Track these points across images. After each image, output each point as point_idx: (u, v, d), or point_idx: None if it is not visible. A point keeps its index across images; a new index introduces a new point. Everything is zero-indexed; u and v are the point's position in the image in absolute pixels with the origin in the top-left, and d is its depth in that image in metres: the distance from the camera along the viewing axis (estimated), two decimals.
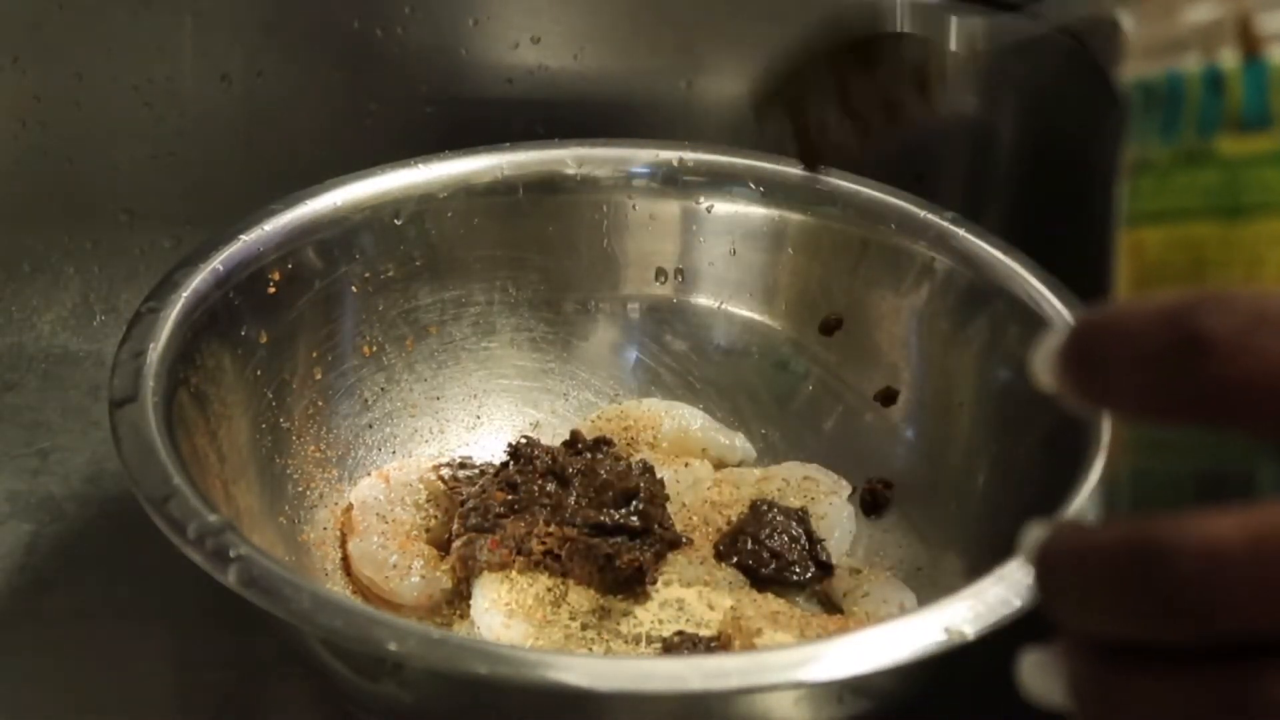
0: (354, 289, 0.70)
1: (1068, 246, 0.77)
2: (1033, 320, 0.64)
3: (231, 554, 0.50)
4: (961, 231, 0.69)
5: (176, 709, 0.63)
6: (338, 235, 0.69)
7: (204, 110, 0.82)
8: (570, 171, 0.73)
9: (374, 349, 0.71)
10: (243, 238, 0.66)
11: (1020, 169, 0.82)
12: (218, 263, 0.64)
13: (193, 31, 0.81)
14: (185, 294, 0.62)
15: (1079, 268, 0.75)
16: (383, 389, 0.71)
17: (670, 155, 0.74)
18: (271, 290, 0.66)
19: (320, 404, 0.68)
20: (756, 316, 0.74)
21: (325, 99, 0.83)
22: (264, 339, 0.66)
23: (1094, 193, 0.76)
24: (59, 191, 0.83)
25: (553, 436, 0.71)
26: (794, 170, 0.73)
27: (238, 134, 0.83)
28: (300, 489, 0.66)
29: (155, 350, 0.59)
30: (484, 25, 0.82)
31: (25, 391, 0.79)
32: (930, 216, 0.69)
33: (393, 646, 0.47)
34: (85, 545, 0.69)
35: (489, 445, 0.71)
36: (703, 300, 0.75)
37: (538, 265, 0.74)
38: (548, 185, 0.73)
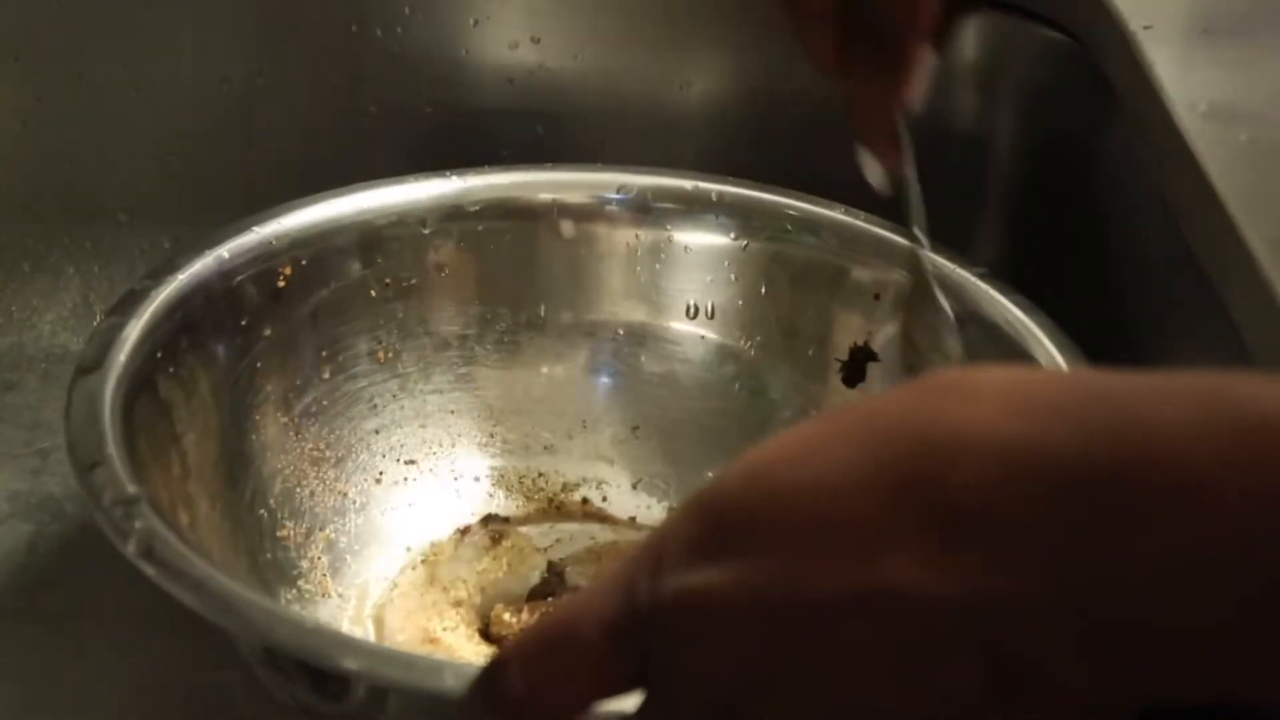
0: (373, 293, 0.70)
1: (1067, 249, 0.77)
2: (1008, 344, 0.64)
3: (137, 525, 0.50)
4: (938, 258, 0.68)
5: (177, 709, 0.62)
6: (356, 239, 0.69)
7: (204, 110, 0.82)
8: (610, 195, 0.73)
9: (389, 355, 0.70)
10: (255, 230, 0.66)
11: (1020, 171, 0.82)
12: (224, 250, 0.64)
13: (193, 31, 0.81)
14: (182, 276, 0.63)
15: (1078, 270, 0.75)
16: (394, 396, 0.71)
17: (647, 181, 0.73)
18: (281, 284, 0.66)
19: (324, 403, 0.68)
20: (730, 343, 0.73)
21: (325, 100, 0.83)
22: (268, 333, 0.66)
23: (1094, 193, 0.76)
24: (59, 191, 0.82)
25: (565, 464, 0.72)
26: (770, 197, 0.72)
27: (238, 134, 0.83)
28: (290, 485, 0.66)
29: (137, 325, 0.60)
30: (484, 25, 0.82)
31: (25, 391, 0.79)
32: (905, 243, 0.68)
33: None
34: (85, 545, 0.69)
35: (499, 462, 0.72)
36: None
37: (564, 288, 0.73)
38: (587, 210, 0.73)
